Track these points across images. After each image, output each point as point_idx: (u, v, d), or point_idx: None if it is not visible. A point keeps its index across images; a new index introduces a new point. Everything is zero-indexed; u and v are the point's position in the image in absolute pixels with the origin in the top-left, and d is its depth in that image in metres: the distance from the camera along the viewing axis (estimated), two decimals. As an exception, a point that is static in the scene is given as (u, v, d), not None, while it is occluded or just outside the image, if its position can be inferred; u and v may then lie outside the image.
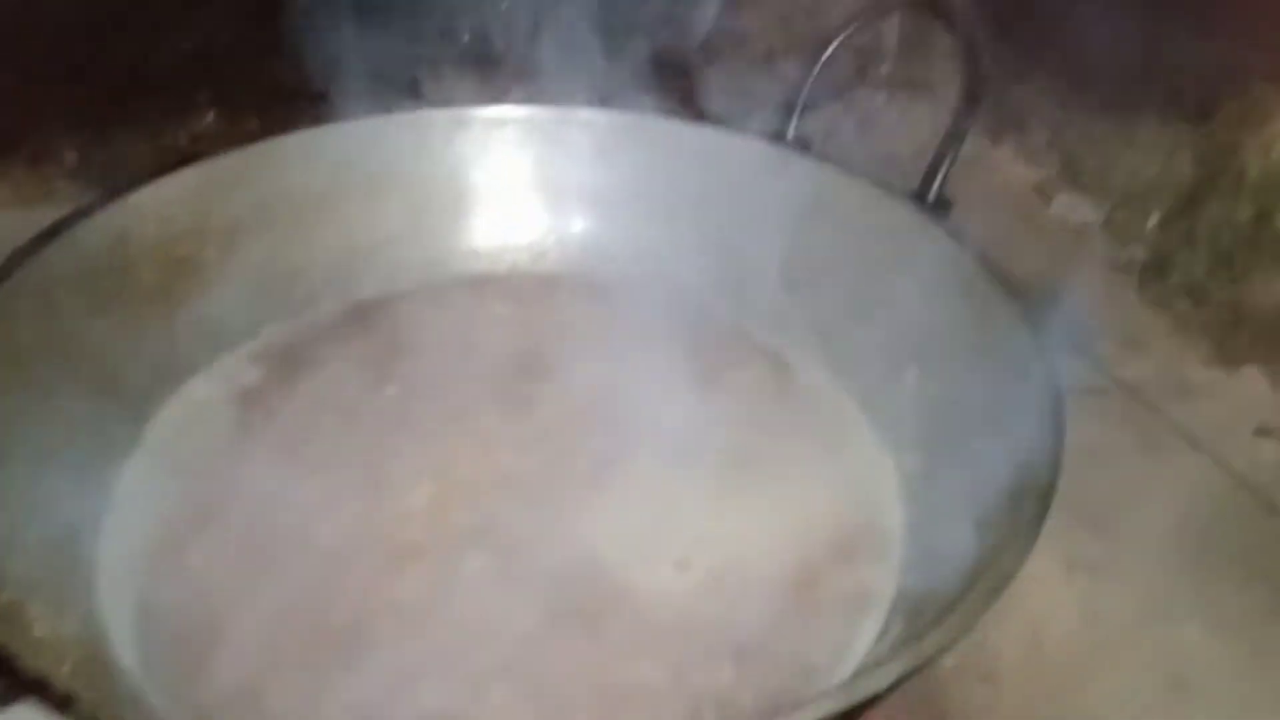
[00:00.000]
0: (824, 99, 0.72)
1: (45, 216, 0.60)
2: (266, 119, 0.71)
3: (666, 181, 0.62)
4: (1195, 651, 0.49)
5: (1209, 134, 0.63)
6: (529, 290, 0.63)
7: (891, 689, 0.35)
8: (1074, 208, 0.72)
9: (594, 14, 0.67)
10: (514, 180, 0.64)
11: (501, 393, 0.56)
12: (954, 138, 0.56)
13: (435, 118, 0.63)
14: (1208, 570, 0.52)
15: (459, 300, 0.62)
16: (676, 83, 0.66)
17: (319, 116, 0.67)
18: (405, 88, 0.70)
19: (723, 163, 0.60)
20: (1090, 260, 0.68)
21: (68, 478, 0.48)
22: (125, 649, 0.44)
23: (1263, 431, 0.59)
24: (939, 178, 0.56)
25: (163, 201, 0.56)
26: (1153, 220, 0.65)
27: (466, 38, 0.74)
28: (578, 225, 0.64)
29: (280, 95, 0.72)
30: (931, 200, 0.56)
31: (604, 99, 0.62)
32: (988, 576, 0.36)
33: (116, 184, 0.68)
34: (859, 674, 0.38)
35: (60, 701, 0.35)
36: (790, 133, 0.62)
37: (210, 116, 0.74)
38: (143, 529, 0.49)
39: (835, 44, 0.63)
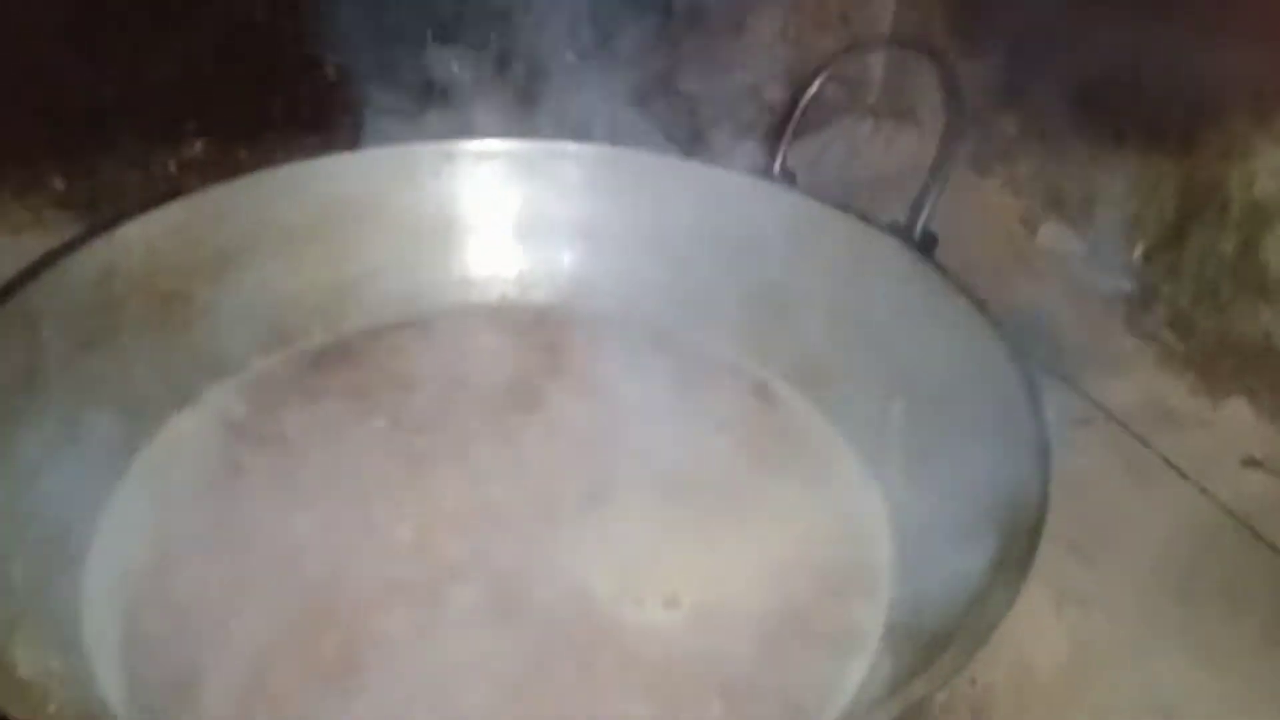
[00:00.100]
0: (810, 128, 0.72)
1: (33, 244, 0.60)
2: (255, 148, 0.72)
3: (654, 214, 0.62)
4: (1184, 684, 0.49)
5: (1192, 166, 0.63)
6: (518, 321, 0.63)
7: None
8: (1059, 238, 0.72)
9: (580, 45, 0.68)
10: (502, 212, 0.64)
11: (490, 425, 0.56)
12: (939, 174, 0.57)
13: (422, 151, 0.63)
14: (1196, 602, 0.52)
15: (448, 331, 0.62)
16: (665, 115, 0.66)
17: (307, 145, 0.68)
18: (395, 115, 0.71)
19: (710, 196, 0.60)
20: (1075, 290, 0.68)
21: (54, 511, 0.48)
22: (111, 686, 0.44)
23: (1249, 462, 0.59)
24: (924, 213, 0.56)
25: (150, 235, 0.56)
26: (1138, 251, 0.66)
27: (455, 67, 0.75)
28: (566, 257, 0.64)
29: (269, 124, 0.72)
30: (918, 236, 0.56)
31: (590, 132, 0.63)
32: (978, 617, 0.36)
33: (104, 215, 0.69)
34: (849, 717, 0.38)
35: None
36: (777, 165, 0.63)
37: (199, 145, 0.74)
38: (128, 562, 0.49)
39: (821, 79, 0.63)
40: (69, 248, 0.54)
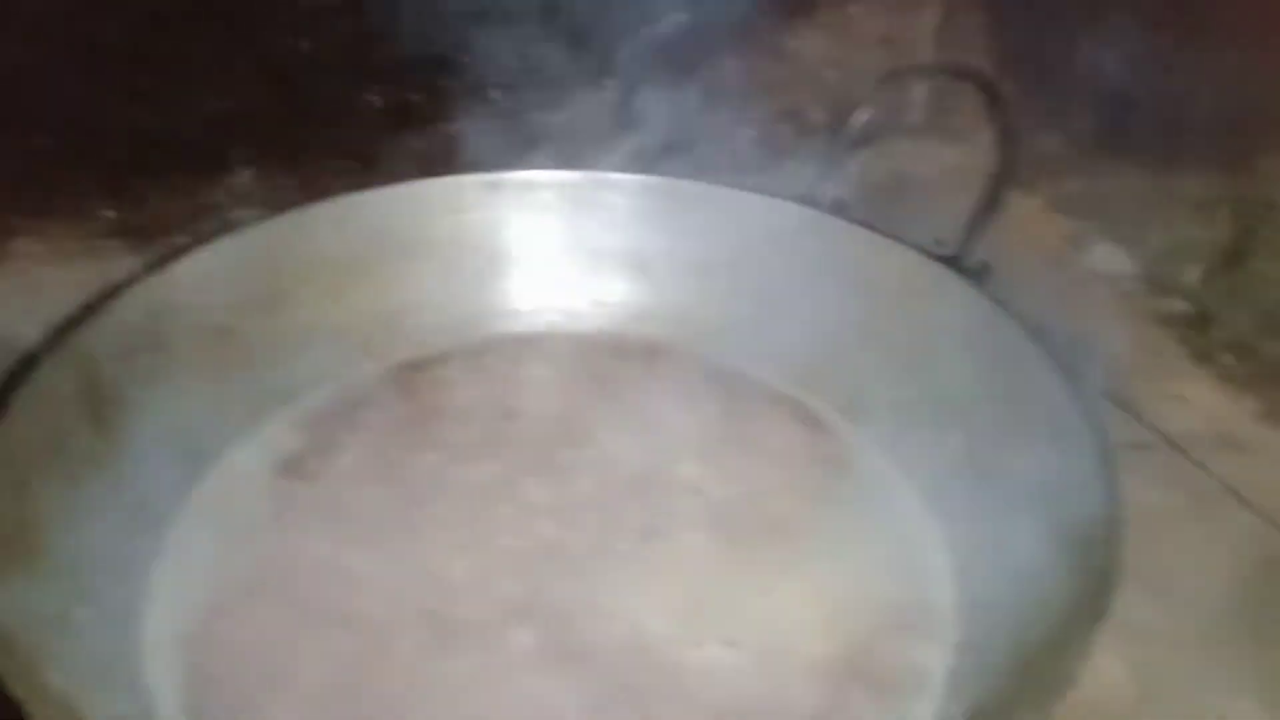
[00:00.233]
0: (855, 151, 0.72)
1: (85, 274, 0.61)
2: (301, 177, 0.72)
3: (702, 244, 0.62)
4: (1253, 725, 0.48)
5: (1248, 187, 0.62)
6: (567, 352, 0.63)
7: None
8: (1110, 259, 0.71)
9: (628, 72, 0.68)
10: (547, 243, 0.64)
11: (543, 459, 0.55)
12: (990, 202, 0.56)
13: (467, 183, 0.63)
14: (1262, 636, 0.51)
15: (497, 363, 0.62)
16: (707, 143, 0.66)
17: (352, 175, 0.68)
18: (441, 148, 0.71)
19: (758, 226, 0.60)
20: (1129, 313, 0.67)
21: (112, 552, 0.48)
22: (174, 728, 0.44)
23: (1314, 490, 0.58)
24: (974, 240, 0.56)
25: (200, 272, 0.56)
26: (1193, 274, 0.65)
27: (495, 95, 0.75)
28: (612, 287, 0.64)
29: (315, 154, 0.73)
30: (970, 264, 0.55)
31: (637, 161, 0.63)
32: (1053, 665, 0.36)
33: (154, 243, 0.69)
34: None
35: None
36: (824, 191, 0.62)
37: (246, 175, 0.74)
38: (187, 602, 0.49)
39: (865, 105, 0.63)
40: (120, 287, 0.54)
